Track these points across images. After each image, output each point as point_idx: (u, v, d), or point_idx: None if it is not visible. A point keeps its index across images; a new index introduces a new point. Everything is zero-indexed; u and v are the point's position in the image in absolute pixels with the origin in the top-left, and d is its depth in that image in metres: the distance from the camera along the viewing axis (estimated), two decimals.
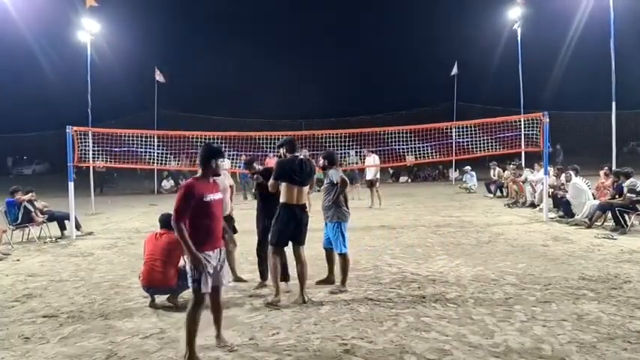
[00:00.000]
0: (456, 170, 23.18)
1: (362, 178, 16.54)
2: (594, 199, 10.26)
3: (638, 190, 9.02)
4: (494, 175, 17.05)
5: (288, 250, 5.45)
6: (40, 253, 8.61)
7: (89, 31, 15.78)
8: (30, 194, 9.96)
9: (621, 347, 3.93)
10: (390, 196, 15.98)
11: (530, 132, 13.44)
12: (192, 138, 14.10)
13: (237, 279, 6.24)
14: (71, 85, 26.09)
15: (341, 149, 13.62)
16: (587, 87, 30.52)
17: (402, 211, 13.26)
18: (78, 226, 10.45)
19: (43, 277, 6.86)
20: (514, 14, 17.63)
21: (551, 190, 11.78)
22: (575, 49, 30.03)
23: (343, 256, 5.72)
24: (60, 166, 14.67)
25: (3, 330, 4.75)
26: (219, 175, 4.16)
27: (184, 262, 4.11)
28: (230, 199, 6.32)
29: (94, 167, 15.09)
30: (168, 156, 14.35)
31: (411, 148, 13.63)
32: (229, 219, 6.28)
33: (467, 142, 13.86)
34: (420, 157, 14.19)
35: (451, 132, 15.78)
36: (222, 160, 4.19)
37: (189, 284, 3.92)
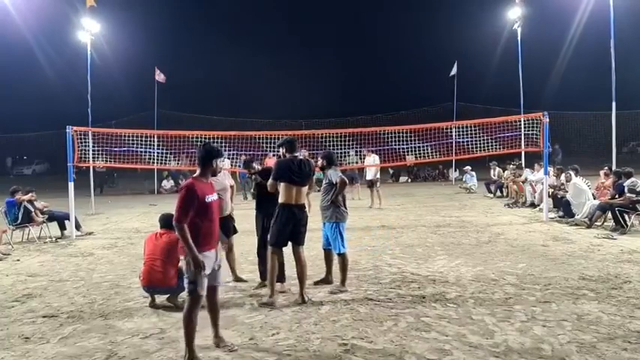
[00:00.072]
0: (456, 170, 23.18)
1: (362, 178, 16.54)
2: (594, 199, 10.26)
3: (638, 190, 9.02)
4: (494, 175, 17.05)
5: (288, 250, 5.45)
6: (40, 253, 8.61)
7: (89, 31, 15.77)
8: (30, 194, 9.96)
9: (621, 347, 3.93)
10: (390, 196, 15.99)
11: (530, 132, 13.43)
12: (192, 138, 14.10)
13: (237, 279, 6.24)
14: (71, 85, 26.16)
15: (341, 149, 13.62)
16: (588, 87, 30.55)
17: (402, 211, 13.25)
18: (78, 226, 10.45)
19: (43, 277, 6.86)
20: (514, 14, 17.62)
21: (551, 190, 11.78)
22: (576, 49, 30.11)
23: (342, 256, 5.72)
24: (60, 166, 14.67)
25: (3, 330, 4.75)
26: (216, 174, 4.17)
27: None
28: (230, 199, 6.32)
29: (94, 167, 15.10)
30: (168, 156, 14.35)
31: (411, 147, 13.64)
32: (229, 219, 6.29)
33: (467, 142, 13.86)
34: (420, 157, 14.21)
35: (451, 132, 15.79)
36: (222, 160, 4.19)
37: (185, 285, 3.90)
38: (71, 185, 10.48)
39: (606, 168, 11.30)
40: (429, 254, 7.57)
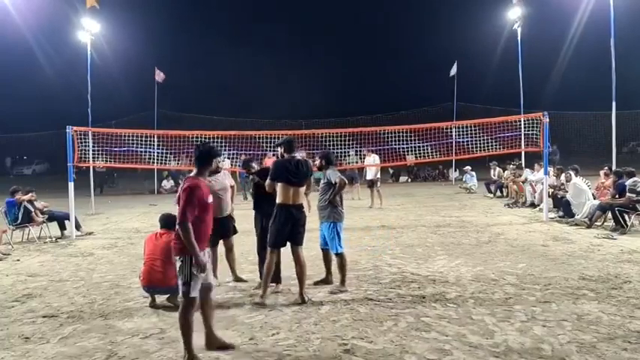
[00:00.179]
0: (456, 170, 23.18)
1: (362, 178, 16.54)
2: (594, 199, 10.26)
3: (638, 189, 9.01)
4: (494, 175, 17.05)
5: (286, 250, 5.44)
6: (40, 253, 8.61)
7: (89, 31, 15.78)
8: (30, 194, 9.96)
9: (621, 347, 3.93)
10: (390, 196, 15.98)
11: (530, 132, 13.43)
12: (192, 138, 14.10)
13: (237, 279, 6.25)
14: (71, 85, 26.16)
15: (341, 149, 13.63)
16: (588, 87, 30.55)
17: (402, 211, 13.25)
18: (78, 226, 10.45)
19: (43, 277, 6.85)
20: (514, 14, 17.62)
21: (551, 190, 11.78)
22: (576, 49, 30.10)
23: (340, 256, 5.73)
24: (60, 166, 14.67)
25: (3, 330, 4.74)
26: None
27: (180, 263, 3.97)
28: (231, 199, 6.32)
29: (94, 167, 15.10)
30: (168, 156, 14.35)
31: (411, 147, 13.65)
32: (229, 219, 6.29)
33: (467, 141, 13.86)
34: (420, 157, 14.21)
35: (451, 132, 15.79)
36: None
37: (180, 287, 3.84)
38: (71, 185, 10.48)
39: (606, 168, 11.30)
40: (429, 254, 7.57)
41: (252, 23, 56.75)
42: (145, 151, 13.37)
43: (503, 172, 16.28)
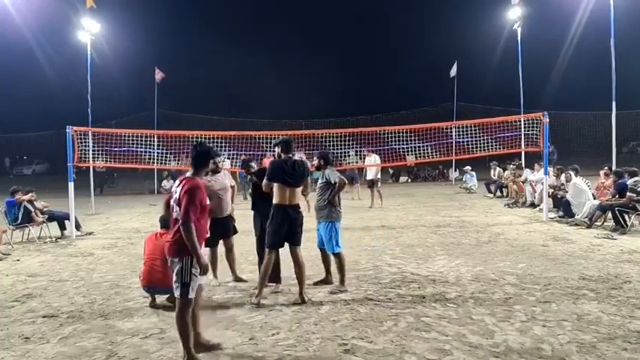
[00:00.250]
0: (456, 170, 23.18)
1: (362, 178, 16.54)
2: (594, 199, 10.26)
3: (639, 189, 9.01)
4: (494, 175, 17.05)
5: (285, 251, 5.43)
6: (40, 253, 8.61)
7: (89, 31, 15.78)
8: (30, 194, 9.96)
9: (621, 347, 3.92)
10: (390, 196, 15.98)
11: (530, 132, 13.44)
12: (192, 138, 14.10)
13: (237, 279, 6.25)
14: (71, 85, 26.16)
15: (341, 149, 13.63)
16: (588, 87, 30.55)
17: (402, 211, 13.25)
18: (78, 226, 10.45)
19: (43, 277, 6.85)
20: (514, 14, 17.62)
21: (551, 190, 11.78)
22: (576, 49, 30.10)
23: (338, 256, 5.73)
24: (60, 166, 14.66)
25: (3, 330, 4.74)
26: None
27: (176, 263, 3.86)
28: (231, 199, 6.32)
29: (94, 167, 15.09)
30: (168, 156, 14.35)
31: (411, 147, 13.64)
32: (229, 219, 6.29)
33: (467, 142, 13.86)
34: (420, 157, 14.21)
35: (451, 132, 15.79)
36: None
37: (177, 288, 3.76)
38: (71, 185, 10.48)
39: (606, 168, 11.30)
40: (429, 254, 7.57)
41: (252, 23, 56.72)
42: (145, 151, 13.38)
43: (504, 172, 16.28)
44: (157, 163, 13.93)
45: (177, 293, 3.77)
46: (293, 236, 5.32)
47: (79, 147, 11.30)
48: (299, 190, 5.40)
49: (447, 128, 15.37)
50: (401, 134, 13.41)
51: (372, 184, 14.19)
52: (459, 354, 3.88)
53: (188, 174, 3.97)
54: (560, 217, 10.67)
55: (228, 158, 13.71)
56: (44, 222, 10.06)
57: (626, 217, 9.04)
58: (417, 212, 12.82)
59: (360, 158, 15.99)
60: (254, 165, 6.47)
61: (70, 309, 5.31)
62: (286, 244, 5.38)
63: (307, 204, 6.64)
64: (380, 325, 4.56)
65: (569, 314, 4.70)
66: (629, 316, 4.60)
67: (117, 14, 26.90)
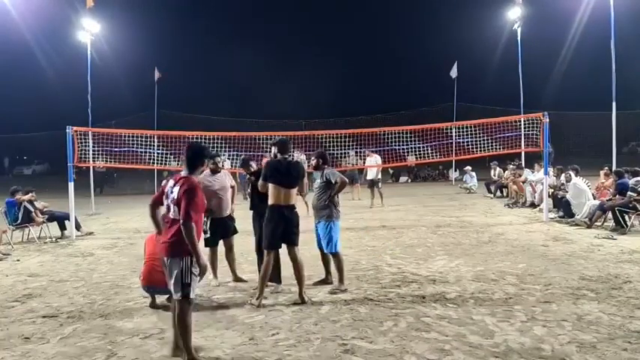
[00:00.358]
0: (456, 170, 23.18)
1: (362, 178, 16.54)
2: (594, 199, 10.26)
3: (639, 189, 9.01)
4: (494, 175, 17.05)
5: (285, 251, 5.44)
6: (40, 253, 8.61)
7: (89, 31, 15.78)
8: (30, 194, 9.97)
9: (621, 347, 3.92)
10: (390, 196, 15.98)
11: (530, 132, 13.44)
12: (192, 138, 14.10)
13: (237, 279, 6.25)
14: (71, 85, 26.12)
15: (341, 149, 13.63)
16: (588, 87, 30.54)
17: (402, 211, 13.25)
18: (78, 227, 10.45)
19: (43, 277, 6.86)
20: (514, 14, 17.62)
21: (551, 191, 11.78)
22: (576, 49, 30.06)
23: (336, 255, 5.72)
24: (60, 166, 14.67)
25: (3, 330, 4.74)
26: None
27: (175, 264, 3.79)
28: (231, 199, 6.32)
29: (94, 167, 15.09)
30: (168, 156, 14.35)
31: (412, 148, 13.65)
32: (229, 219, 6.29)
33: (467, 142, 13.86)
34: (420, 158, 14.21)
35: (451, 132, 15.79)
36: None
37: (177, 289, 3.70)
38: (71, 185, 10.48)
39: (606, 168, 11.31)
40: (429, 254, 7.57)
41: (252, 23, 56.78)
42: (145, 152, 13.38)
43: (504, 172, 16.28)
44: (157, 163, 13.92)
45: (177, 295, 3.71)
46: (289, 237, 5.30)
47: (79, 147, 11.31)
48: (294, 190, 5.37)
49: (447, 129, 15.37)
50: (401, 135, 13.41)
51: (372, 184, 14.19)
52: (459, 354, 3.88)
53: (183, 173, 3.88)
54: (560, 217, 10.67)
55: (229, 158, 13.71)
56: (44, 222, 10.07)
57: (626, 217, 9.04)
58: (418, 212, 12.82)
59: (361, 158, 15.99)
60: (253, 165, 6.47)
61: (70, 309, 5.31)
62: (285, 245, 5.37)
63: (306, 204, 6.63)
64: (380, 325, 4.56)
65: (569, 314, 4.70)
66: (629, 317, 4.60)
67: (117, 14, 26.94)
